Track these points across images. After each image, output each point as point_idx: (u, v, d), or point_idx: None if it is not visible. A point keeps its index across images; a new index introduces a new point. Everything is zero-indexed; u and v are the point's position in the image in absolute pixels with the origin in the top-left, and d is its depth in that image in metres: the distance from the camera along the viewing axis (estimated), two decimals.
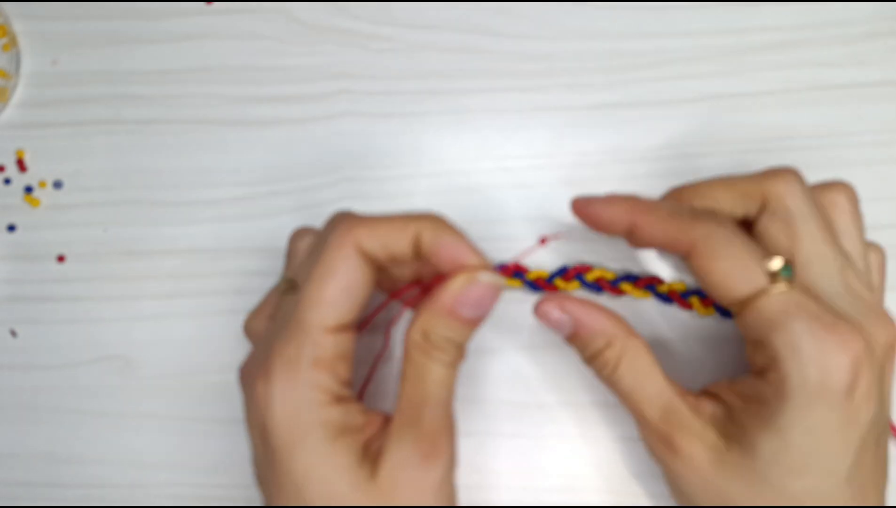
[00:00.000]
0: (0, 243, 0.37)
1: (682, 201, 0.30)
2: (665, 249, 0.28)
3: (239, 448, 0.33)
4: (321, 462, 0.26)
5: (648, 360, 0.28)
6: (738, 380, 0.28)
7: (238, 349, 0.35)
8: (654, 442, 0.28)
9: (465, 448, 0.34)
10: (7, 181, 0.38)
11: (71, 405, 0.36)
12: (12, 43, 0.38)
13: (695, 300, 0.33)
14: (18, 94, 0.38)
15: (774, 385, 0.25)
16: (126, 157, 0.37)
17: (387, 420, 0.28)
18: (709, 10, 0.37)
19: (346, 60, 0.38)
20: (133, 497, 0.35)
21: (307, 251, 0.29)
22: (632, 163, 0.36)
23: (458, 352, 0.28)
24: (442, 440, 0.27)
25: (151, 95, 0.38)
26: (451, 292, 0.27)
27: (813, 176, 0.35)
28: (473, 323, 0.27)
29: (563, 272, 0.34)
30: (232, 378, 0.35)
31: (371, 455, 0.26)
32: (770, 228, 0.28)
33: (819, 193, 0.29)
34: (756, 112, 0.36)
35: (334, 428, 0.26)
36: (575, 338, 0.29)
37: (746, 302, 0.26)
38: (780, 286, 0.26)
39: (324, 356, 0.26)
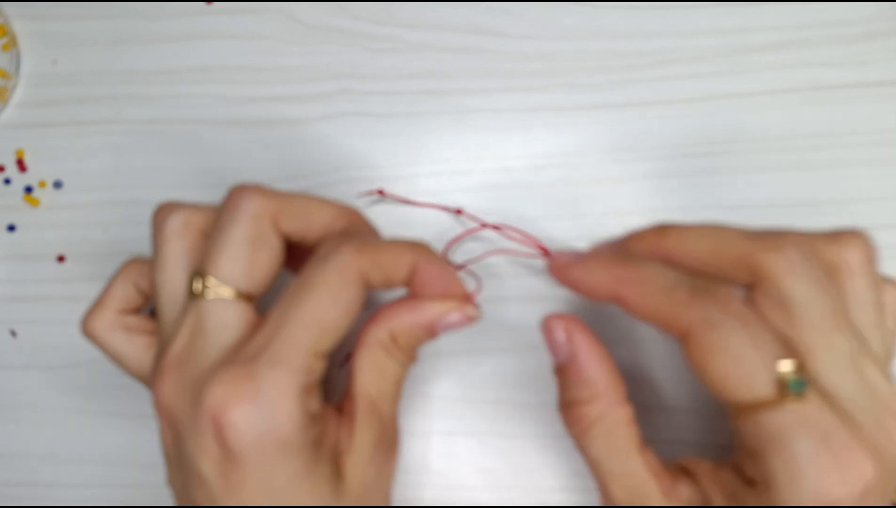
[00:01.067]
0: (0, 243, 0.37)
1: (664, 246, 0.26)
2: (657, 328, 0.25)
3: None
4: (306, 483, 0.25)
5: (627, 434, 0.26)
6: (722, 469, 0.25)
7: None
8: None
9: (465, 447, 0.34)
10: (7, 181, 0.38)
11: (71, 405, 0.36)
12: (12, 43, 0.38)
13: None
14: (18, 94, 0.38)
15: (762, 498, 0.23)
16: (126, 157, 0.37)
17: (336, 415, 0.27)
18: (709, 10, 0.37)
19: (346, 60, 0.38)
20: (133, 497, 0.35)
21: (236, 252, 0.26)
22: (632, 163, 0.36)
23: (415, 356, 0.29)
24: (398, 433, 0.28)
25: (151, 95, 0.38)
26: (436, 312, 0.27)
27: (813, 175, 0.35)
28: (436, 336, 0.28)
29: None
30: None
31: (336, 456, 0.26)
32: (764, 308, 0.24)
33: (825, 248, 0.24)
34: (756, 112, 0.36)
35: (314, 445, 0.25)
36: (562, 372, 0.27)
37: (745, 409, 0.23)
38: (788, 404, 0.22)
39: (314, 382, 0.25)
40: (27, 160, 0.38)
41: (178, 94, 0.38)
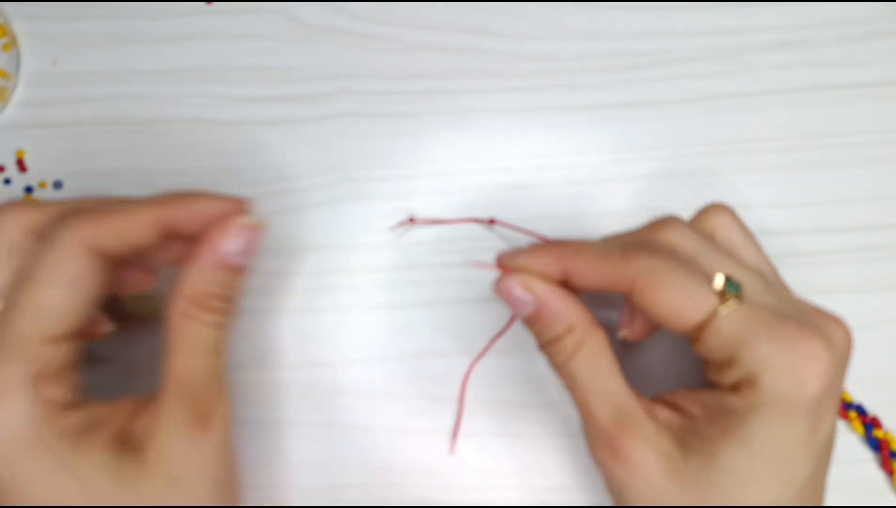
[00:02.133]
0: None
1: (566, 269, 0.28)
2: (605, 290, 0.27)
3: (239, 447, 0.33)
4: (66, 474, 0.24)
5: (607, 355, 0.27)
6: (699, 390, 0.27)
7: (237, 349, 0.35)
8: (600, 445, 0.26)
9: (466, 447, 0.34)
10: (7, 181, 0.38)
11: None
12: (12, 43, 0.38)
13: None
14: (18, 94, 0.38)
15: (748, 398, 0.24)
16: (126, 157, 0.37)
17: (139, 402, 0.27)
18: (709, 10, 0.37)
19: (346, 60, 0.38)
20: None
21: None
22: (632, 163, 0.36)
23: (228, 307, 0.27)
24: (217, 405, 0.26)
25: (151, 95, 0.38)
26: (218, 242, 0.26)
27: (813, 175, 0.36)
28: (241, 271, 0.27)
29: None
30: (231, 378, 0.35)
31: (132, 441, 0.25)
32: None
33: (701, 223, 0.28)
34: (756, 112, 0.36)
35: (74, 434, 0.24)
36: (534, 321, 0.27)
37: (702, 327, 0.25)
38: (731, 304, 0.25)
39: (52, 369, 0.24)
40: (27, 160, 0.38)
41: (178, 94, 0.38)
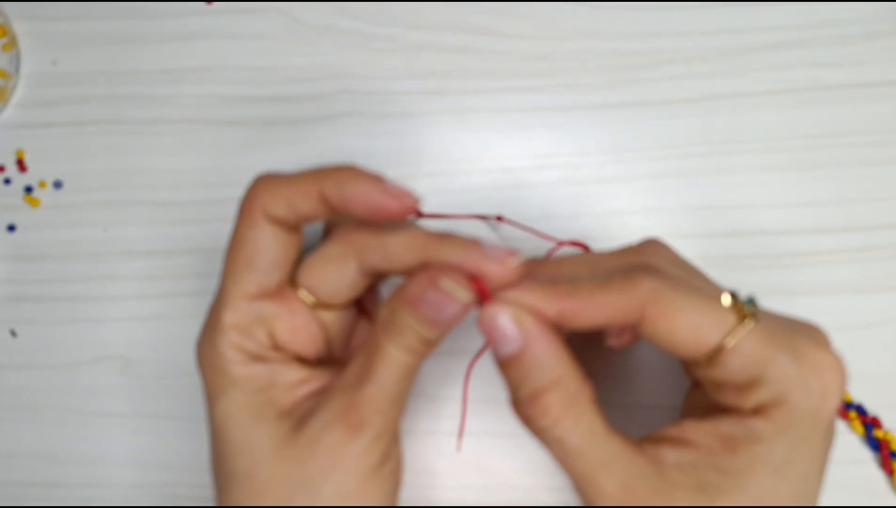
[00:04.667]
0: (0, 243, 0.37)
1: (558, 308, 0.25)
2: (609, 325, 0.24)
3: None
4: (238, 410, 0.26)
5: (599, 414, 0.24)
6: (711, 420, 0.25)
7: None
8: None
9: (465, 447, 0.34)
10: (7, 181, 0.38)
11: (71, 405, 0.36)
12: (12, 43, 0.38)
13: None
14: (18, 94, 0.38)
15: (776, 421, 0.23)
16: (126, 157, 0.37)
17: (323, 376, 0.28)
18: (709, 10, 0.37)
19: (346, 60, 0.38)
20: (133, 497, 0.35)
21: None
22: (632, 163, 0.36)
23: (421, 343, 0.25)
24: (372, 419, 0.25)
25: (151, 95, 0.38)
26: (417, 285, 0.25)
27: (813, 175, 0.36)
28: (436, 324, 0.25)
29: None
30: None
31: (300, 412, 0.26)
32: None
33: (639, 255, 0.26)
34: (756, 112, 0.36)
35: (256, 383, 0.26)
36: (514, 363, 0.24)
37: (719, 349, 0.23)
38: (751, 321, 0.23)
39: (239, 321, 0.27)
40: (27, 160, 0.38)
41: (178, 94, 0.38)
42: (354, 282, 0.27)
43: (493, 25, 0.37)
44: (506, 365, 0.25)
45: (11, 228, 0.37)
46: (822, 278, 0.35)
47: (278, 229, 0.26)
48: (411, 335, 0.25)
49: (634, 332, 0.27)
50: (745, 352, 0.23)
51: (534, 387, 0.24)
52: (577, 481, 0.24)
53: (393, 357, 0.25)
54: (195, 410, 0.35)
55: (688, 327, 0.23)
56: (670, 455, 0.24)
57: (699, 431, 0.24)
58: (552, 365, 0.24)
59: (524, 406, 0.24)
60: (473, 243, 0.25)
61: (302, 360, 0.28)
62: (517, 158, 0.36)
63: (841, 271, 0.35)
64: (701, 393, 0.27)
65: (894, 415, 0.33)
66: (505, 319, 0.24)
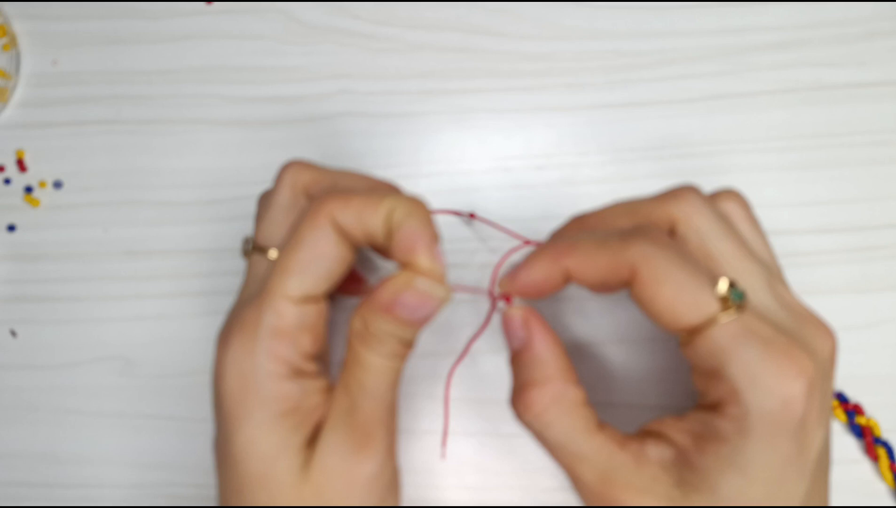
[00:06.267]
0: (0, 243, 0.37)
1: (565, 266, 0.27)
2: (608, 284, 0.25)
3: None
4: (263, 439, 0.25)
5: (585, 414, 0.26)
6: (686, 417, 0.25)
7: None
8: (594, 502, 0.25)
9: (466, 447, 0.34)
10: (7, 181, 0.38)
11: (71, 405, 0.36)
12: (12, 43, 0.38)
13: None
14: (18, 94, 0.38)
15: (734, 420, 0.23)
16: (126, 157, 0.37)
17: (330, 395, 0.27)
18: (709, 10, 0.37)
19: (346, 60, 0.38)
20: (133, 497, 0.35)
21: (273, 216, 0.28)
22: (632, 163, 0.36)
23: (401, 345, 0.26)
24: (377, 432, 0.25)
25: (151, 95, 0.38)
26: (389, 290, 0.25)
27: (813, 175, 0.36)
28: (413, 324, 0.25)
29: None
30: None
31: (316, 439, 0.26)
32: (685, 247, 0.26)
33: (715, 202, 0.27)
34: (756, 112, 0.36)
35: (285, 404, 0.25)
36: (517, 358, 0.27)
37: (695, 331, 0.24)
38: (731, 313, 0.23)
39: (285, 326, 0.25)
40: (27, 160, 0.38)
41: (178, 94, 0.38)
42: (342, 257, 0.26)
43: (493, 25, 0.37)
44: (512, 360, 0.27)
45: (11, 228, 0.37)
46: (822, 278, 0.35)
47: (340, 237, 0.26)
48: (390, 340, 0.25)
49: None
50: (713, 340, 0.23)
51: (526, 378, 0.26)
52: (563, 469, 0.26)
53: (377, 366, 0.25)
54: (195, 410, 0.35)
55: (668, 299, 0.24)
56: (653, 450, 0.25)
57: (674, 427, 0.25)
58: (546, 363, 0.26)
59: (515, 396, 0.26)
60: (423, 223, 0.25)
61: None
62: (517, 158, 0.36)
63: (841, 271, 0.35)
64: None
65: (894, 415, 0.33)
66: (516, 319, 0.27)
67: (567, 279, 0.26)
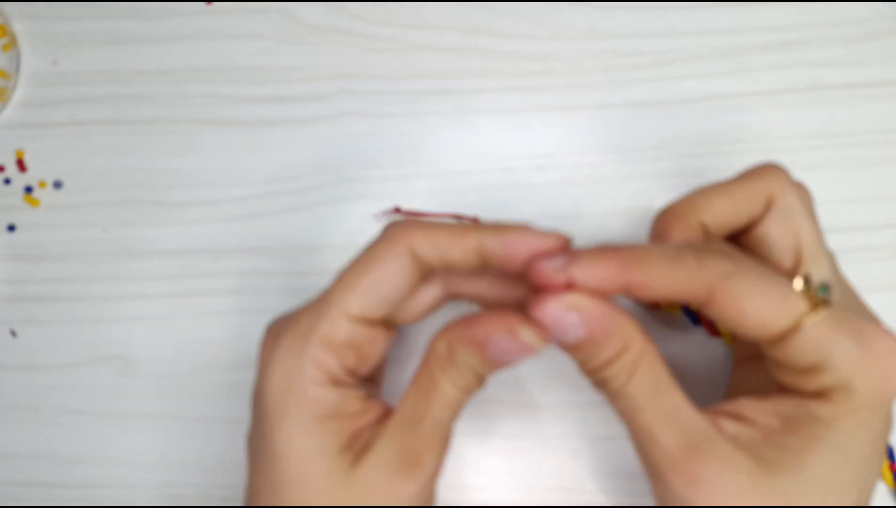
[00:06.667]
0: (0, 243, 0.37)
1: (680, 219, 0.27)
2: (675, 301, 0.24)
3: (239, 447, 0.33)
4: (303, 439, 0.25)
5: (664, 369, 0.24)
6: (771, 398, 0.25)
7: (238, 349, 0.35)
8: (674, 475, 0.23)
9: (466, 448, 0.34)
10: (7, 181, 0.38)
11: (71, 405, 0.36)
12: (12, 43, 0.38)
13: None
14: (18, 94, 0.38)
15: (841, 404, 0.23)
16: (126, 157, 0.37)
17: (386, 412, 0.27)
18: (709, 10, 0.37)
19: (346, 60, 0.38)
20: (133, 497, 0.35)
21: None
22: (632, 163, 0.36)
23: (476, 380, 0.26)
24: (428, 457, 0.25)
25: (151, 95, 0.38)
26: (488, 329, 0.24)
27: (813, 175, 0.35)
28: (499, 365, 0.25)
29: None
30: (232, 378, 0.35)
31: (358, 446, 0.26)
32: (773, 229, 0.26)
33: (760, 181, 0.28)
34: (756, 112, 0.36)
35: (325, 409, 0.25)
36: (582, 346, 0.24)
37: (786, 334, 0.23)
38: (822, 310, 0.23)
39: (334, 338, 0.25)
40: (27, 160, 0.38)
41: (178, 94, 0.38)
42: (410, 286, 0.26)
43: (493, 25, 0.37)
44: (572, 349, 0.24)
45: (11, 228, 0.37)
46: None
47: (414, 268, 0.25)
48: (469, 373, 0.25)
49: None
50: (810, 338, 0.23)
51: (604, 358, 0.24)
52: (636, 436, 0.25)
53: (448, 395, 0.25)
54: (195, 410, 0.35)
55: (756, 313, 0.23)
56: (727, 425, 0.24)
57: (756, 409, 0.25)
58: (618, 335, 0.24)
59: (596, 373, 0.25)
60: (525, 230, 0.24)
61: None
62: (517, 158, 0.36)
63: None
64: (751, 372, 0.28)
65: (893, 415, 0.33)
66: (571, 315, 0.23)
67: (620, 292, 0.24)
